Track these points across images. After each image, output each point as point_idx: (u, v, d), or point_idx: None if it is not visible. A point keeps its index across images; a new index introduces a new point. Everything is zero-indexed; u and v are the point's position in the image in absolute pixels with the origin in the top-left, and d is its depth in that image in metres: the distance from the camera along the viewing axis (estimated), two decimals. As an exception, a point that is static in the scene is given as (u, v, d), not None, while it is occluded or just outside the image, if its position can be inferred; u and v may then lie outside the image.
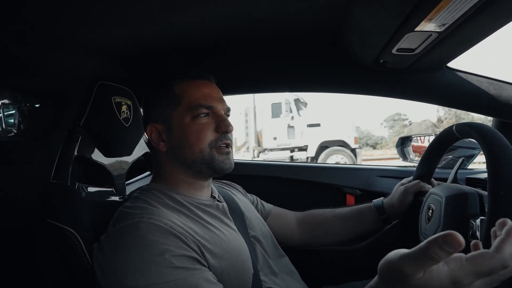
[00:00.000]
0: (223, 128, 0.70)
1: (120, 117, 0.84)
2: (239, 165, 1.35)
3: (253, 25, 0.74)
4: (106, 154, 0.85)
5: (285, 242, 0.93)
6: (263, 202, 0.98)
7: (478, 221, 0.58)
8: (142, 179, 1.11)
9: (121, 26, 0.68)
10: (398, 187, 0.90)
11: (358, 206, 0.92)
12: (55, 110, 0.83)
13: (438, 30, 0.63)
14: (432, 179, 0.88)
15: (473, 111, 0.95)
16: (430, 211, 0.70)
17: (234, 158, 0.76)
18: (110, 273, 0.52)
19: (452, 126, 0.71)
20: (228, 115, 0.76)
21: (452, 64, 0.89)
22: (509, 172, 0.51)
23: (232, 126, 0.71)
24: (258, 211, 0.92)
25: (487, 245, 0.47)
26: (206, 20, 0.69)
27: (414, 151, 1.43)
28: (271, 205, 0.98)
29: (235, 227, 0.73)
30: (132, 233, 0.54)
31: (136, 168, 1.05)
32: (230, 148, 0.73)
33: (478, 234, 0.57)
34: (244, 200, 0.90)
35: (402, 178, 1.21)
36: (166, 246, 0.53)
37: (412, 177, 0.90)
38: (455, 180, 0.84)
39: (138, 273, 0.50)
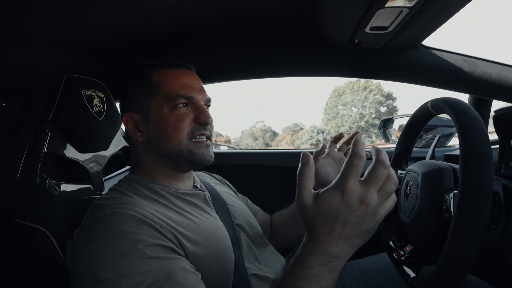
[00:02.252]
0: (202, 119, 0.68)
1: (93, 110, 0.81)
2: (221, 155, 1.34)
3: (223, 9, 0.72)
4: (80, 149, 0.82)
5: None
6: (252, 204, 0.98)
7: (451, 195, 0.58)
8: (121, 174, 1.08)
9: (86, 15, 0.65)
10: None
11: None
12: (22, 108, 0.80)
13: (409, 5, 0.63)
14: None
15: (448, 89, 0.96)
16: (408, 188, 0.71)
17: (214, 149, 0.75)
18: (82, 266, 0.51)
19: (427, 102, 0.72)
20: (209, 106, 0.74)
21: (427, 42, 0.90)
22: (478, 145, 0.51)
23: (211, 118, 0.70)
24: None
25: (460, 219, 0.48)
26: (176, 5, 0.67)
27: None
28: (258, 208, 0.98)
29: (216, 216, 0.72)
30: (104, 224, 0.53)
31: (114, 163, 1.03)
32: (209, 141, 0.71)
33: (451, 208, 0.58)
34: (228, 191, 0.90)
35: None
36: (139, 236, 0.51)
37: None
38: (432, 158, 0.85)
39: (109, 265, 0.48)
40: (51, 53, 0.78)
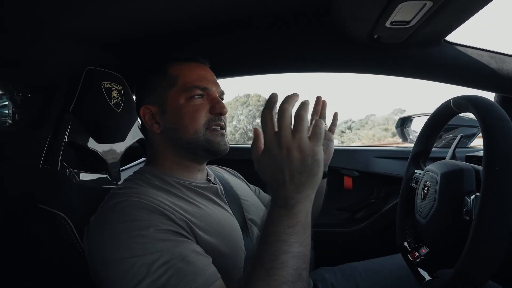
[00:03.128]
0: (217, 109, 0.70)
1: (111, 102, 0.83)
2: (234, 150, 1.34)
3: (242, 4, 0.72)
4: (98, 140, 0.84)
5: None
6: (265, 194, 0.97)
7: (472, 197, 0.56)
8: (137, 165, 1.11)
9: (106, 11, 0.67)
10: None
11: None
12: (46, 99, 0.83)
13: (432, -3, 0.60)
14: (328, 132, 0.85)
15: (473, 87, 0.92)
16: (426, 188, 0.69)
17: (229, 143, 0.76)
18: (97, 249, 0.53)
19: (450, 100, 0.69)
20: (222, 99, 0.75)
21: (451, 38, 0.86)
22: (505, 145, 0.49)
23: (226, 108, 0.71)
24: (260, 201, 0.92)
25: (483, 223, 0.46)
26: (195, 1, 0.67)
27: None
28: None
29: (229, 209, 0.73)
30: (119, 211, 0.55)
31: (131, 155, 1.05)
32: (224, 131, 0.73)
33: (473, 211, 0.55)
34: (242, 185, 0.90)
35: (400, 158, 1.20)
36: (152, 221, 0.53)
37: None
38: (453, 158, 0.82)
39: (123, 247, 0.50)
40: (72, 47, 0.80)
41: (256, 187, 0.97)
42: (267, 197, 0.97)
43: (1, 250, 0.64)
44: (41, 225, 0.58)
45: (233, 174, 0.96)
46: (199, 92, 0.69)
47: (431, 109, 0.78)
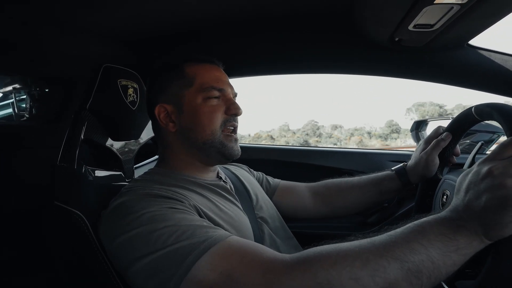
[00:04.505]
0: (233, 110, 0.71)
1: (127, 100, 0.84)
2: (246, 149, 1.34)
3: (262, 5, 0.71)
4: (114, 137, 0.85)
5: (298, 215, 0.92)
6: (269, 178, 0.97)
7: None
8: (151, 163, 1.12)
9: (125, 9, 0.67)
10: (421, 153, 0.80)
11: (377, 175, 0.88)
12: (64, 94, 0.84)
13: (461, 1, 0.58)
14: (457, 146, 0.80)
15: (496, 92, 0.89)
16: (445, 197, 0.67)
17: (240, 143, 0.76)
18: (117, 231, 0.54)
19: (471, 107, 0.67)
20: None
21: (474, 41, 0.83)
22: None
23: (241, 109, 0.72)
24: (263, 188, 0.92)
25: None
26: (214, 2, 0.67)
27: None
28: (279, 180, 0.97)
29: (240, 206, 0.73)
30: (134, 202, 0.56)
31: (144, 152, 1.06)
32: (236, 134, 0.74)
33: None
34: (251, 181, 0.89)
35: None
36: (168, 204, 0.55)
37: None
38: (472, 165, 0.79)
39: (144, 223, 0.51)
40: (90, 44, 0.81)
41: (259, 172, 0.97)
42: (275, 182, 0.96)
43: (17, 243, 0.66)
44: (57, 222, 0.58)
45: (241, 168, 0.96)
46: (216, 93, 0.70)
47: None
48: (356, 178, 0.91)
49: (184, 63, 0.73)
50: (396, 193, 0.88)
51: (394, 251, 0.43)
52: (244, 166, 0.97)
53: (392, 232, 0.46)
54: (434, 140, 0.78)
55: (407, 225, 0.46)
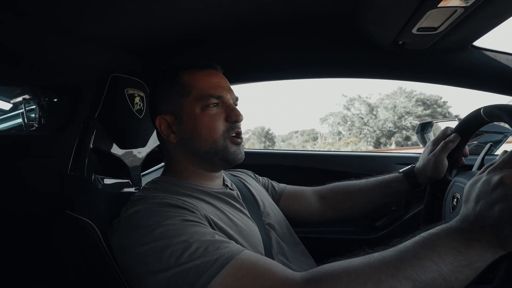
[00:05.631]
0: (233, 117, 0.69)
1: (134, 108, 0.85)
2: (251, 155, 1.34)
3: (265, 9, 0.71)
4: (121, 145, 0.86)
5: (305, 220, 0.91)
6: (274, 183, 0.96)
7: None
8: (158, 170, 1.12)
9: (131, 18, 0.68)
10: (429, 155, 0.79)
11: (385, 178, 0.87)
12: (71, 104, 0.85)
13: (465, 4, 0.58)
14: (466, 147, 0.79)
15: (502, 93, 0.88)
16: (455, 199, 0.67)
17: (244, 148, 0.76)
18: (129, 243, 0.54)
19: (480, 109, 0.66)
20: (236, 105, 0.75)
21: (478, 42, 0.83)
22: None
23: (242, 115, 0.70)
24: (269, 193, 0.91)
25: None
26: (217, 5, 0.67)
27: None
28: (284, 185, 0.96)
29: (248, 214, 0.73)
30: (144, 210, 0.57)
31: (151, 159, 1.06)
32: (241, 139, 0.73)
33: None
34: (257, 187, 0.89)
35: None
36: (180, 215, 0.55)
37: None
38: (481, 167, 0.79)
39: (156, 235, 0.52)
40: (96, 53, 0.82)
41: (264, 178, 0.96)
42: (281, 187, 0.95)
43: (30, 253, 0.66)
44: (68, 231, 0.59)
45: (246, 174, 0.95)
46: (214, 101, 0.68)
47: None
48: (363, 181, 0.90)
49: (180, 71, 0.71)
50: (405, 195, 0.86)
51: (406, 270, 0.42)
52: (249, 172, 0.96)
53: (402, 247, 0.45)
54: (442, 142, 0.77)
55: (417, 239, 0.44)
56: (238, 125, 0.71)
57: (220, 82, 0.71)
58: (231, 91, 0.73)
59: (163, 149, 0.76)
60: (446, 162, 0.77)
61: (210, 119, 0.68)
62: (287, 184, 0.97)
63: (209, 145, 0.68)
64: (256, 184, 0.90)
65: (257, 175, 0.96)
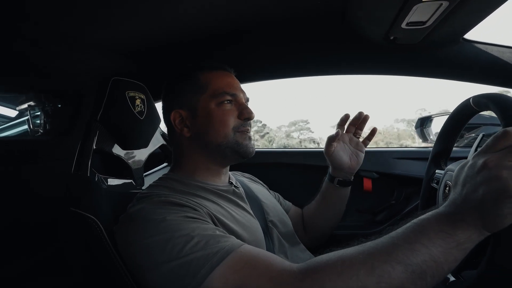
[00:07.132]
0: (245, 114, 0.74)
1: (135, 110, 0.88)
2: (257, 154, 1.35)
3: (257, 10, 0.74)
4: (124, 147, 0.89)
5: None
6: (282, 199, 1.00)
7: None
8: (160, 171, 1.15)
9: (129, 22, 0.70)
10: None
11: (322, 189, 0.92)
12: (74, 108, 0.88)
13: (448, -3, 0.60)
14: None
15: (494, 84, 0.89)
16: (447, 188, 0.68)
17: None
18: (135, 237, 0.57)
19: (469, 98, 0.68)
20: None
21: (470, 35, 0.84)
22: None
23: (253, 113, 0.75)
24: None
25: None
26: (212, 8, 0.70)
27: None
28: (290, 203, 1.00)
29: (251, 211, 0.75)
30: (148, 208, 0.59)
31: (153, 161, 1.09)
32: (250, 133, 0.77)
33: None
34: (262, 190, 0.92)
35: (420, 159, 1.18)
36: (183, 213, 0.58)
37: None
38: None
39: (160, 230, 0.54)
40: (97, 58, 0.85)
41: (276, 193, 0.99)
42: (288, 204, 0.99)
43: (35, 248, 0.69)
44: (73, 228, 0.61)
45: (254, 180, 0.98)
46: (229, 98, 0.73)
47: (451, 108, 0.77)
48: (315, 198, 0.94)
49: (198, 71, 0.77)
50: (343, 193, 0.90)
51: (397, 255, 0.43)
52: (258, 180, 0.99)
53: (394, 234, 0.47)
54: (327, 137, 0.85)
55: (408, 225, 0.46)
56: (249, 123, 0.75)
57: (233, 83, 0.77)
58: (243, 91, 0.79)
59: (174, 144, 0.79)
60: (336, 154, 0.85)
61: (223, 114, 0.73)
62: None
63: (221, 139, 0.72)
64: (260, 187, 0.93)
65: (268, 187, 0.99)
